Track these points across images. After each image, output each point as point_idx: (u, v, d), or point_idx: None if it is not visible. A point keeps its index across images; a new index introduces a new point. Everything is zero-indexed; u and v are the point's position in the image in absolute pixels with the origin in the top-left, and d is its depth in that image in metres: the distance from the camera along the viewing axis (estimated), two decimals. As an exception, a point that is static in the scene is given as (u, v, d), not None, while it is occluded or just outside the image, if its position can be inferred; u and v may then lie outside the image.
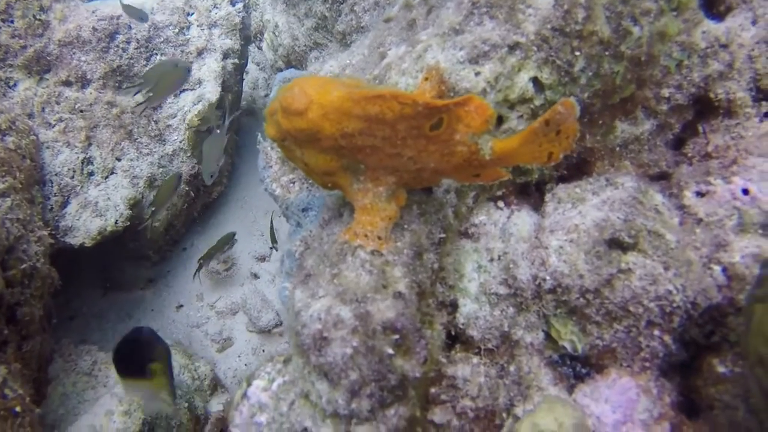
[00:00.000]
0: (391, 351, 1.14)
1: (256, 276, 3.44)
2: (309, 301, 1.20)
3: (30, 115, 2.64)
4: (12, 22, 2.60)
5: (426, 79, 1.29)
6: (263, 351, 3.17)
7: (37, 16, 2.64)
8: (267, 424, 1.26)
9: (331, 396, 1.15)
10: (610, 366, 1.44)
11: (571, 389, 1.45)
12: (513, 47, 1.35)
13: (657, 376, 1.42)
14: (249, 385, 1.31)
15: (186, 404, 2.55)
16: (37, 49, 2.67)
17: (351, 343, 1.11)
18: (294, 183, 1.58)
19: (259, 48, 3.03)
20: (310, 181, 1.55)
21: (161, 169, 2.97)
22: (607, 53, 1.43)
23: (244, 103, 3.78)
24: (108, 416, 2.25)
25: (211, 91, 3.03)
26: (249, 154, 3.83)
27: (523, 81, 1.37)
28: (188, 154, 3.05)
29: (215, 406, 2.77)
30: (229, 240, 3.20)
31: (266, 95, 4.15)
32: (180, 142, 3.02)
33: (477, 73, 1.33)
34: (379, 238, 1.23)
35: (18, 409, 1.86)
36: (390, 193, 1.23)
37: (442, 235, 1.36)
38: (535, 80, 1.39)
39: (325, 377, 1.17)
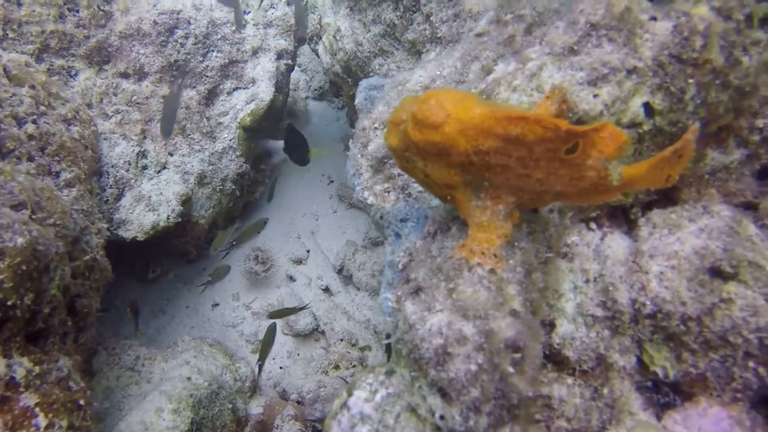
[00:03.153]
0: (512, 370, 1.13)
1: (292, 279, 3.43)
2: (425, 315, 1.20)
3: (89, 105, 2.63)
4: (77, 11, 2.59)
5: (548, 97, 1.29)
6: (298, 355, 3.15)
7: (102, 7, 2.64)
8: (370, 436, 1.25)
9: (447, 411, 1.15)
10: (700, 394, 1.44)
11: (659, 415, 1.45)
12: (631, 71, 1.35)
13: (749, 407, 1.42)
14: (350, 395, 1.30)
15: (230, 405, 2.54)
16: (100, 39, 2.66)
17: (476, 359, 1.11)
18: (389, 192, 1.57)
19: (314, 51, 3.03)
20: (408, 191, 1.55)
21: (211, 167, 2.96)
22: (717, 82, 1.43)
23: (287, 105, 3.78)
24: (158, 413, 2.23)
25: (265, 91, 3.03)
26: (289, 155, 3.83)
27: (636, 105, 1.37)
28: (237, 153, 3.04)
29: (255, 408, 2.75)
30: (261, 226, 3.28)
31: (307, 97, 4.15)
32: (230, 140, 3.01)
33: (596, 95, 1.33)
34: (496, 255, 1.23)
35: (82, 402, 1.84)
36: (507, 212, 1.23)
37: (549, 254, 1.35)
38: (647, 105, 1.39)
39: (439, 392, 1.16)
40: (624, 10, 1.35)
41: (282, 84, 3.16)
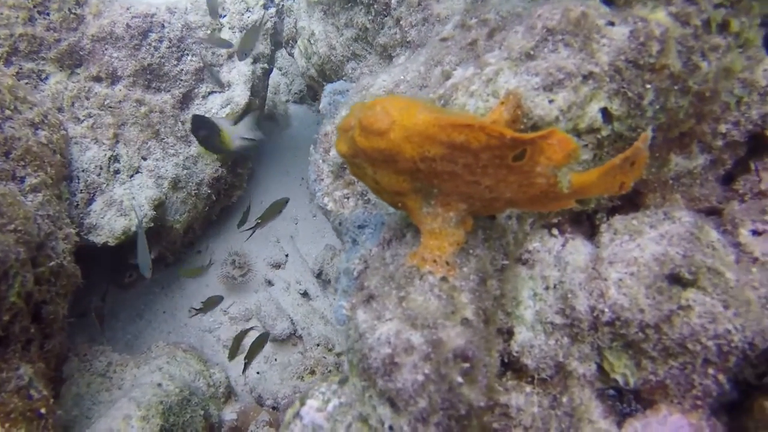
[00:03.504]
0: (461, 380, 1.11)
1: (270, 283, 3.41)
2: (375, 323, 1.18)
3: (60, 109, 2.61)
4: (48, 14, 2.57)
5: (502, 103, 1.28)
6: (275, 360, 3.13)
7: (73, 10, 2.61)
8: (321, 446, 1.23)
9: (395, 422, 1.13)
10: (660, 402, 1.43)
11: (619, 423, 1.44)
12: (587, 77, 1.34)
13: (709, 415, 1.41)
14: (303, 404, 1.28)
15: (201, 411, 2.51)
16: (71, 43, 2.64)
17: (423, 370, 1.09)
18: (348, 198, 1.56)
19: (290, 54, 3.01)
20: (366, 198, 1.53)
21: (185, 171, 2.94)
22: (675, 87, 1.42)
23: (266, 108, 3.76)
24: (126, 421, 2.21)
25: (240, 95, 3.01)
26: (269, 159, 3.81)
27: (593, 111, 1.36)
28: (213, 157, 3.02)
29: (228, 414, 2.73)
30: (283, 205, 3.19)
31: (287, 101, 4.13)
32: (208, 144, 2.99)
33: (551, 101, 1.32)
34: (448, 263, 1.21)
35: (43, 410, 1.82)
36: (459, 220, 1.21)
37: (505, 262, 1.34)
38: (605, 111, 1.38)
39: (388, 402, 1.15)
40: (580, 15, 1.34)
41: (258, 88, 3.15)
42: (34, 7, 2.52)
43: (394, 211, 1.46)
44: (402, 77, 1.76)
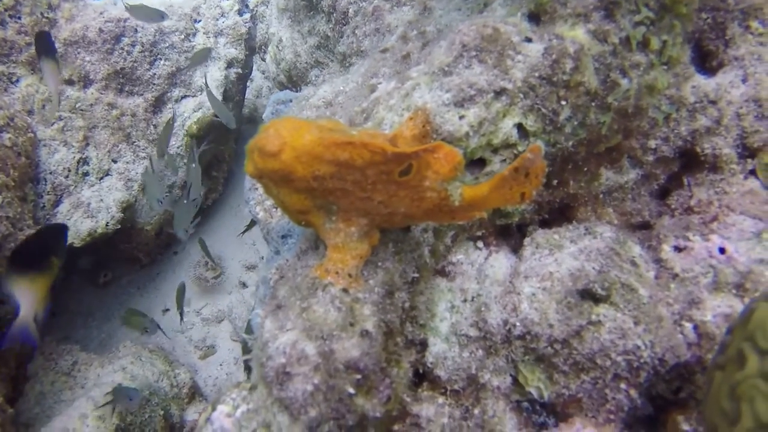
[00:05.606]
0: (352, 390, 1.14)
1: (244, 285, 3.45)
2: (277, 333, 1.21)
3: (30, 112, 2.66)
4: (20, 18, 2.62)
5: (411, 118, 1.30)
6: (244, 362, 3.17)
7: (45, 14, 2.67)
8: (227, 451, 1.27)
9: (290, 430, 1.16)
10: (575, 415, 1.44)
11: (534, 436, 1.45)
12: (499, 93, 1.36)
13: (621, 429, 1.42)
14: (214, 409, 1.32)
15: (161, 411, 2.55)
16: (43, 47, 2.69)
17: (312, 380, 1.12)
18: (277, 208, 1.59)
19: (263, 59, 3.05)
20: (291, 210, 1.56)
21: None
22: (593, 104, 1.44)
23: (246, 111, 3.80)
24: (81, 420, 2.25)
25: (212, 100, 3.05)
26: (247, 162, 3.85)
27: (507, 127, 1.38)
28: (185, 160, 3.07)
29: (192, 414, 2.77)
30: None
31: (269, 104, 4.17)
32: (177, 147, 3.03)
33: (461, 117, 1.34)
34: (350, 275, 1.24)
35: (-10, 408, 1.87)
36: (362, 234, 1.24)
37: (416, 275, 1.36)
38: (520, 126, 1.40)
39: (286, 410, 1.18)
40: (492, 31, 1.36)
41: (232, 92, 3.19)
42: (6, 10, 2.58)
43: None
44: (342, 88, 1.79)
